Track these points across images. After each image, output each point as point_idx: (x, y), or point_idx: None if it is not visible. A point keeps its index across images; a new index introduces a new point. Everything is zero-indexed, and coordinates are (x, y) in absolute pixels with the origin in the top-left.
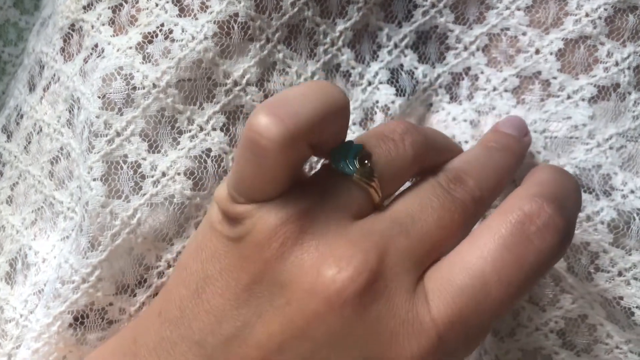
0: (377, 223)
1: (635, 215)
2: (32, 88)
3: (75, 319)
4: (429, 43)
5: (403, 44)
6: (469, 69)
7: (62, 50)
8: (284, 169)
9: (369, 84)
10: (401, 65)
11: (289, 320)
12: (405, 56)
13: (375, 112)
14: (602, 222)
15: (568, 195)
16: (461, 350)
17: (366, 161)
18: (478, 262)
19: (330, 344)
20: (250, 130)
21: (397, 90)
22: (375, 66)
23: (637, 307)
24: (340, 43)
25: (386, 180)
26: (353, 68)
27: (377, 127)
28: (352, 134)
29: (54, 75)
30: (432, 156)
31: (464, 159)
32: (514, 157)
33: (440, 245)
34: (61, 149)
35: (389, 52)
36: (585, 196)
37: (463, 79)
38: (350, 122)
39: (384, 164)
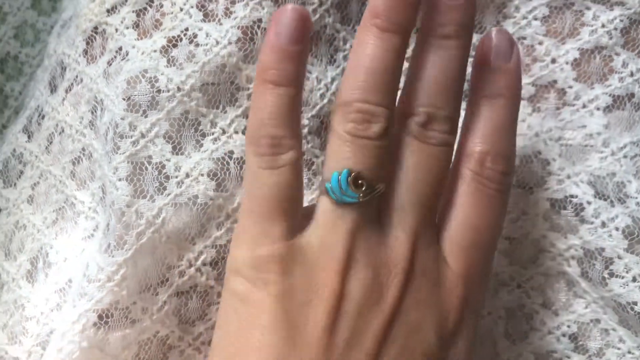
0: (393, 216)
1: None
2: (53, 89)
3: (100, 317)
4: None
5: None
6: None
7: (85, 52)
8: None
9: None
10: None
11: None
12: None
13: None
14: (617, 229)
15: (499, 128)
16: (481, 288)
17: (360, 181)
18: (466, 220)
19: (409, 321)
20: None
21: None
22: None
23: None
24: None
25: (380, 168)
26: None
27: (337, 118)
28: None
29: (77, 77)
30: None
31: (426, 85)
32: (469, 35)
33: (439, 191)
34: (83, 149)
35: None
36: (600, 203)
37: None
38: None
39: (373, 168)
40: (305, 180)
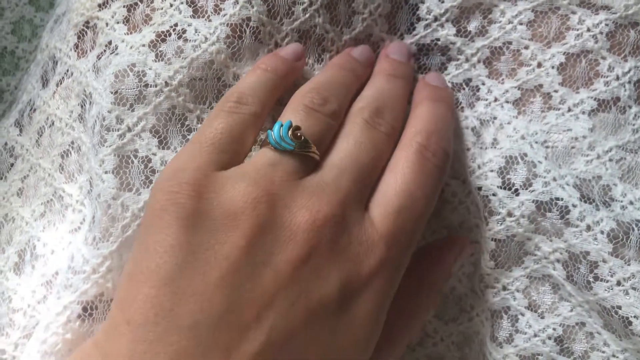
0: (327, 173)
1: (634, 226)
2: (45, 83)
3: (84, 309)
4: (430, 55)
5: None
6: (469, 80)
7: (76, 46)
8: None
9: None
10: None
11: (295, 251)
12: None
13: None
14: (602, 232)
15: (443, 120)
16: (404, 253)
17: (299, 133)
18: (404, 185)
19: (317, 267)
20: None
21: None
22: None
23: (634, 316)
24: None
25: (321, 138)
26: None
27: (297, 97)
28: None
29: (67, 70)
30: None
31: (377, 92)
32: (410, 83)
33: (376, 172)
34: (72, 142)
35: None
36: (585, 206)
37: (464, 89)
38: None
39: (315, 133)
40: None
